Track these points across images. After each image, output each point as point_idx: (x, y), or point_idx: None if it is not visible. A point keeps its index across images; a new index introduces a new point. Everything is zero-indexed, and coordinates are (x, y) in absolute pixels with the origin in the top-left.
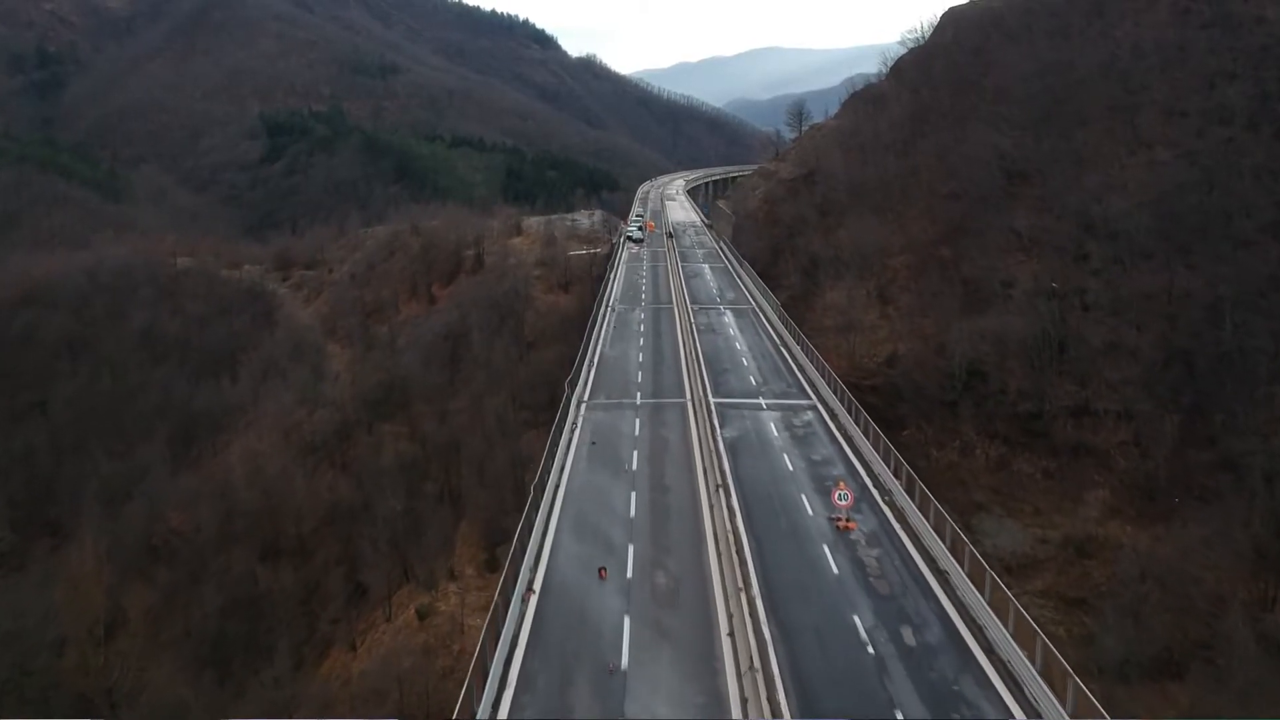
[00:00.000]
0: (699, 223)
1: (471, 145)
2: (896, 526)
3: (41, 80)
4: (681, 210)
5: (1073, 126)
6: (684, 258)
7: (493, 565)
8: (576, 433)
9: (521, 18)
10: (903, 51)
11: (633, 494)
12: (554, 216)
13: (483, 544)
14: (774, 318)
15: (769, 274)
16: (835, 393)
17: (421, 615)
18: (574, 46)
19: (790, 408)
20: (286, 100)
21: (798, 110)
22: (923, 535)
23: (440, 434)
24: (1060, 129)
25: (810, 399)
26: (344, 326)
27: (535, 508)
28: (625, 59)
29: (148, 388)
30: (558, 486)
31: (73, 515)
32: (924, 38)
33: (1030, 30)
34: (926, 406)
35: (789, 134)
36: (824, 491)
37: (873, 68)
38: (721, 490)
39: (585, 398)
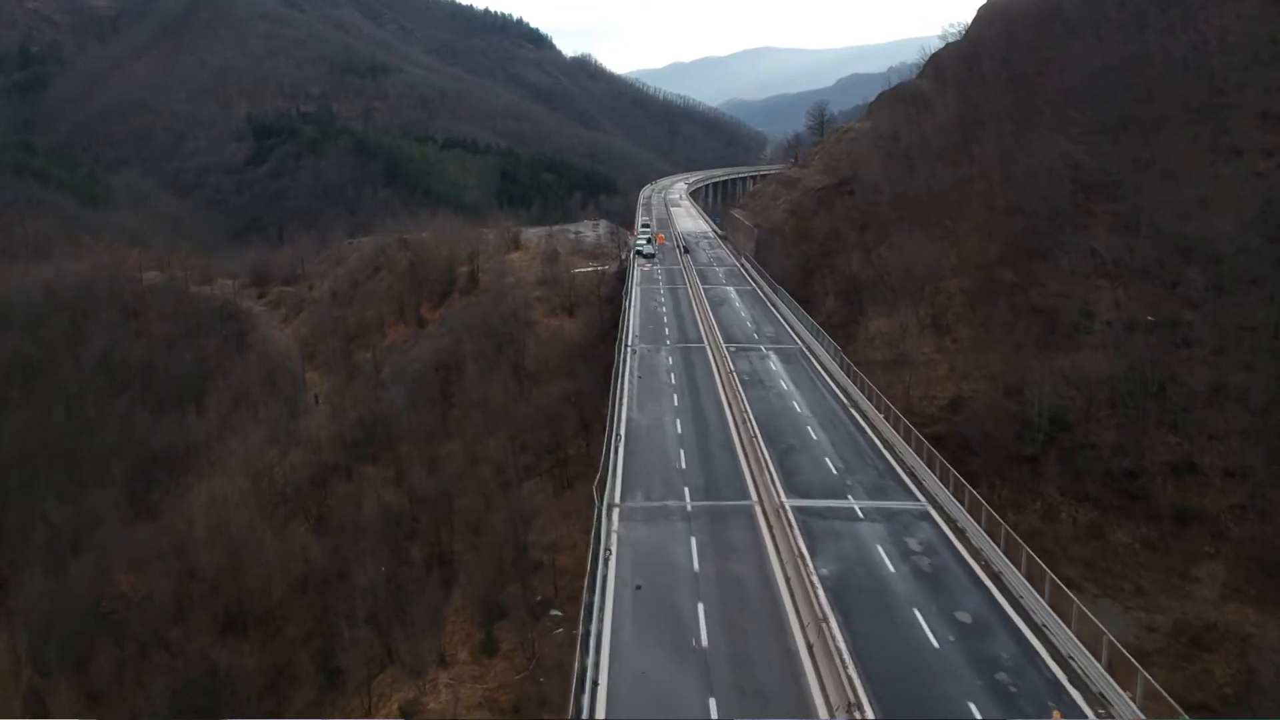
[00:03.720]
0: (711, 233)
1: (464, 147)
2: None
3: (24, 81)
4: (689, 218)
5: (1151, 132)
6: (704, 278)
7: (489, 648)
8: (612, 565)
9: (515, 17)
10: (939, 47)
11: (711, 704)
12: (555, 228)
13: (478, 620)
14: (828, 362)
15: (800, 296)
16: (950, 487)
17: (406, 714)
18: (567, 46)
19: (894, 515)
20: (275, 101)
21: (819, 111)
22: None
23: (429, 484)
24: (1139, 135)
25: (918, 499)
26: (324, 351)
27: None
28: (619, 59)
29: (106, 420)
30: (595, 684)
31: (17, 568)
32: (962, 32)
33: (1097, 22)
34: (1000, 461)
35: (787, 132)
36: (998, 692)
37: (867, 68)
38: (854, 710)
39: (618, 500)
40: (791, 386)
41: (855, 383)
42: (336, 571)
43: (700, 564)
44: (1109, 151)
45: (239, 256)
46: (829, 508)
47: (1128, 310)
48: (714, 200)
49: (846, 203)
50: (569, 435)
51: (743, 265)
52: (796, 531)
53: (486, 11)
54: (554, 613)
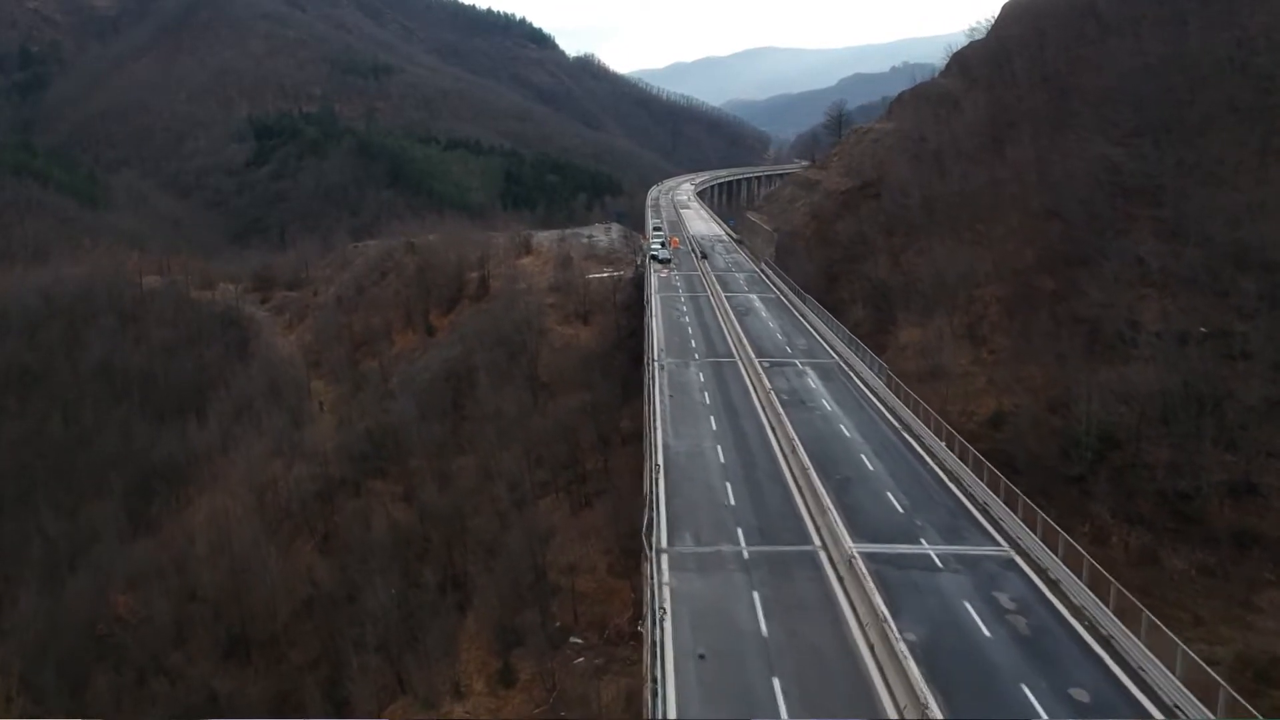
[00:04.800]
0: (725, 236)
1: (468, 148)
2: None
3: (24, 81)
4: (700, 221)
5: (1195, 134)
6: (724, 284)
7: (507, 678)
8: (669, 628)
9: (518, 16)
10: (955, 46)
11: None
12: (567, 232)
13: (494, 648)
14: (871, 379)
15: (825, 304)
16: (1038, 531)
17: None
18: (568, 46)
19: (976, 564)
20: (276, 102)
21: (837, 111)
22: None
23: (441, 502)
24: (1183, 137)
25: (999, 544)
26: (329, 359)
27: None
28: (620, 59)
29: (104, 430)
30: None
31: (11, 584)
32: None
33: (1133, 20)
34: (1045, 480)
35: (790, 132)
36: None
37: (869, 67)
38: None
39: (665, 543)
40: (836, 407)
41: (908, 405)
42: (345, 594)
43: (768, 626)
44: (1151, 154)
45: (240, 259)
46: (902, 554)
47: (1175, 321)
48: (720, 201)
49: (872, 206)
50: (585, 449)
51: (763, 271)
52: (872, 586)
53: (489, 11)
54: (574, 640)
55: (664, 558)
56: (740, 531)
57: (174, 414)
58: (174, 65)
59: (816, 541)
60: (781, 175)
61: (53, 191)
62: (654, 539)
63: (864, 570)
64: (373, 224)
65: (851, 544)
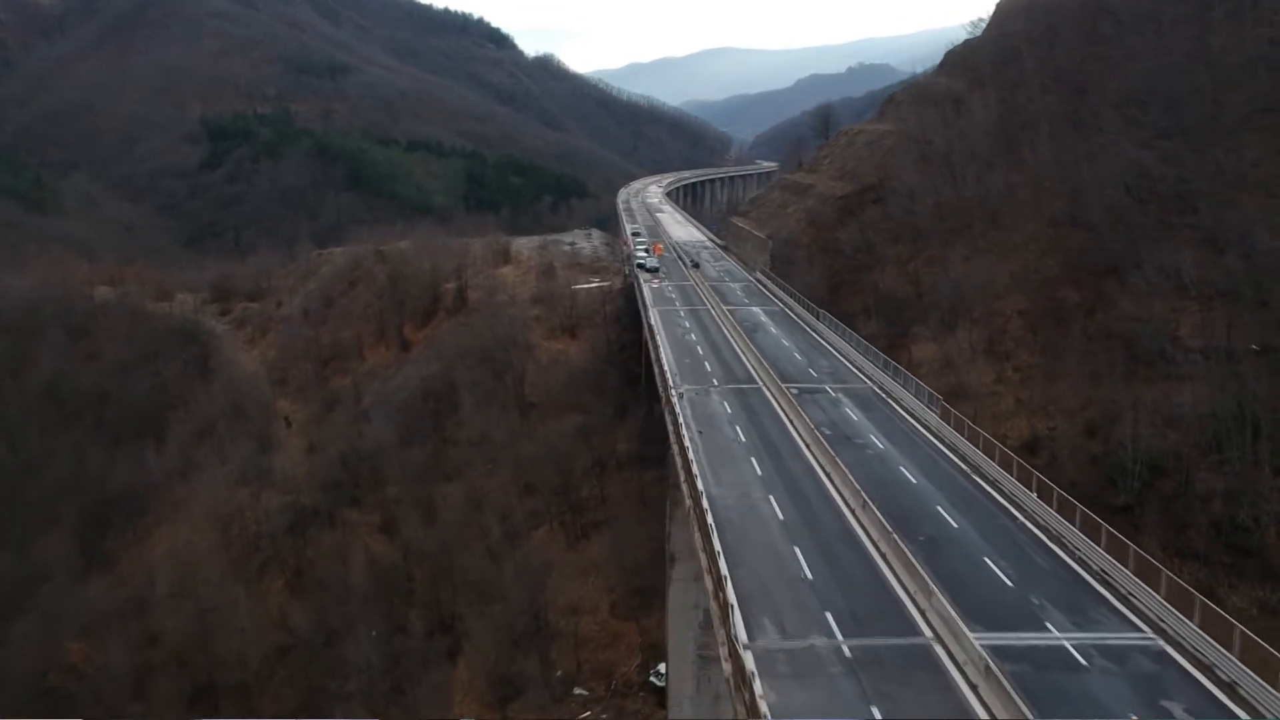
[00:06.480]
0: (709, 243)
1: (429, 149)
2: None
3: None
4: (678, 225)
5: (1227, 136)
6: (722, 296)
7: None
8: None
9: (476, 16)
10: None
11: None
12: (549, 239)
13: (489, 700)
14: (915, 407)
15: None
16: (1196, 619)
17: None
18: (526, 46)
19: (1122, 657)
20: (230, 103)
21: (824, 114)
22: None
23: (426, 536)
24: (1217, 139)
25: (1139, 627)
26: (296, 376)
27: None
28: (578, 59)
29: (53, 456)
30: None
31: None
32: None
33: (1153, 16)
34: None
35: (748, 133)
36: None
37: (826, 68)
38: None
39: (743, 636)
40: (888, 445)
41: (974, 443)
42: (322, 638)
43: None
44: (1187, 158)
45: (197, 267)
46: (1032, 647)
47: (1217, 336)
48: (685, 202)
49: (875, 212)
50: (580, 475)
51: (759, 281)
52: (1020, 701)
53: (446, 10)
54: (578, 691)
55: (749, 657)
56: (831, 618)
57: (130, 438)
58: (123, 65)
59: (926, 631)
60: (745, 176)
61: None
62: (732, 631)
63: (1009, 684)
64: (333, 228)
65: (975, 641)
